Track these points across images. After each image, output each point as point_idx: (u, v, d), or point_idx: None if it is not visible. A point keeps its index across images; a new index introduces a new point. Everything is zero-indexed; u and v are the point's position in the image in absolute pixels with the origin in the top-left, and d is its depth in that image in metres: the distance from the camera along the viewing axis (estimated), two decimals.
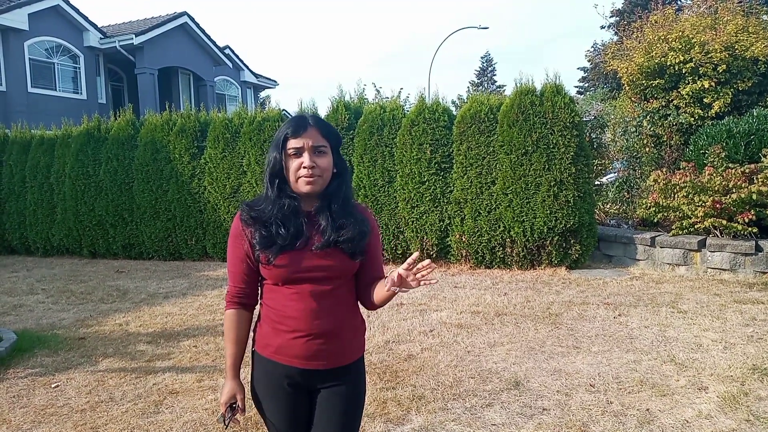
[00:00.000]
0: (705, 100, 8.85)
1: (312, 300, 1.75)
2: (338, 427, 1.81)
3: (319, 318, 1.76)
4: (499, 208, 7.58)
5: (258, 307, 1.89)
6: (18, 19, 15.77)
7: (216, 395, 3.79)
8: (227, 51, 22.48)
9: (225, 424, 1.84)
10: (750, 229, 6.72)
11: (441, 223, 7.94)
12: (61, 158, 10.16)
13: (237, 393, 1.85)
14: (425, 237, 8.00)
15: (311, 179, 1.74)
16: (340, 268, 1.78)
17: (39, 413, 3.63)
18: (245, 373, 1.96)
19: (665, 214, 7.49)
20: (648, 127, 9.36)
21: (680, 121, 8.96)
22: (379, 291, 1.79)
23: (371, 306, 1.86)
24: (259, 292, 1.88)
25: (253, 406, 1.92)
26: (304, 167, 1.73)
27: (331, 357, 1.79)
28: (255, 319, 1.92)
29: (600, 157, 9.22)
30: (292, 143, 1.74)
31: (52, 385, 4.09)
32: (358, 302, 1.91)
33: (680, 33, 8.97)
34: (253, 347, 1.88)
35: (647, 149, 9.41)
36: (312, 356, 1.77)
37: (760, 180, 6.70)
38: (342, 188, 1.82)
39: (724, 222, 6.80)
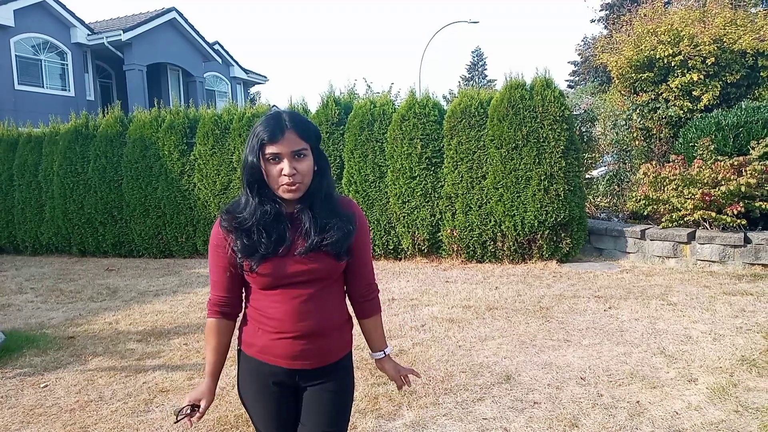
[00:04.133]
0: (694, 92, 8.88)
1: (296, 302, 1.71)
2: (325, 424, 1.78)
3: (304, 320, 1.72)
4: (489, 202, 7.59)
5: (243, 306, 1.87)
6: (3, 15, 15.61)
7: None
8: (216, 47, 22.35)
9: (177, 419, 1.77)
10: (739, 221, 6.76)
11: (432, 218, 7.94)
12: (49, 156, 10.06)
13: (205, 398, 1.80)
14: (416, 232, 8.00)
15: (293, 187, 1.67)
16: (324, 271, 1.73)
17: (28, 413, 3.60)
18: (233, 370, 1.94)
19: (655, 207, 7.52)
20: (638, 120, 9.39)
21: (669, 114, 9.00)
22: (367, 333, 1.95)
23: (355, 311, 1.92)
24: (244, 296, 1.84)
25: (242, 404, 1.90)
26: (285, 175, 1.65)
27: (316, 356, 1.76)
28: (240, 316, 1.90)
29: (590, 150, 9.24)
30: (270, 149, 1.65)
31: (41, 385, 4.06)
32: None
33: (669, 26, 8.99)
34: (238, 346, 1.86)
35: (637, 142, 9.45)
36: (297, 356, 1.74)
37: (748, 172, 6.74)
38: (323, 185, 1.75)
39: (714, 214, 6.84)
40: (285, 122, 1.66)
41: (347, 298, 1.90)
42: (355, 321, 1.92)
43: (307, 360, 1.75)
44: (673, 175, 7.17)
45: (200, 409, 1.79)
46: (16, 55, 16.23)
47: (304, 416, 1.80)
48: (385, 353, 1.95)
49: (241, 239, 1.69)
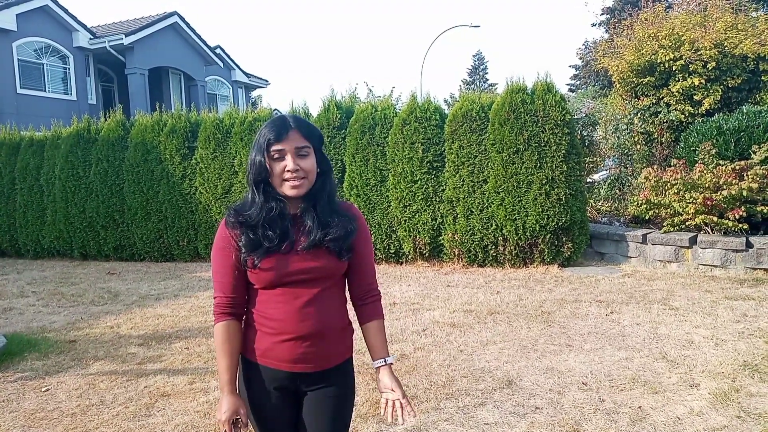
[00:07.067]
0: (695, 97, 8.89)
1: (298, 302, 1.73)
2: (326, 428, 1.79)
3: (305, 320, 1.73)
4: (491, 206, 7.59)
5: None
6: (6, 19, 15.65)
7: (208, 397, 3.77)
8: (218, 51, 22.40)
9: None
10: (740, 225, 6.76)
11: (433, 222, 7.94)
12: (50, 160, 10.08)
13: (240, 408, 1.78)
14: (418, 236, 8.00)
15: (297, 183, 1.73)
16: (327, 269, 1.76)
17: (29, 417, 3.59)
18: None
19: (657, 211, 7.52)
20: (639, 125, 9.39)
21: (671, 118, 9.00)
22: (368, 338, 1.89)
23: (357, 315, 1.91)
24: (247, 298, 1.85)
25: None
26: (288, 170, 1.72)
27: (317, 359, 1.77)
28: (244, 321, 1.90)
29: (591, 154, 9.24)
30: (275, 147, 1.72)
31: (43, 389, 4.06)
32: (349, 301, 1.90)
33: (670, 30, 9.00)
34: (241, 351, 1.85)
35: (638, 146, 9.45)
36: (298, 359, 1.75)
37: (749, 176, 6.74)
38: (326, 187, 1.81)
39: (715, 219, 6.84)
40: (289, 122, 1.75)
41: (349, 302, 1.91)
42: (356, 326, 1.92)
43: (308, 363, 1.76)
44: (674, 180, 7.17)
45: (243, 420, 1.78)
46: (18, 59, 16.26)
47: (305, 421, 1.82)
48: (386, 361, 1.87)
49: (246, 234, 1.74)
